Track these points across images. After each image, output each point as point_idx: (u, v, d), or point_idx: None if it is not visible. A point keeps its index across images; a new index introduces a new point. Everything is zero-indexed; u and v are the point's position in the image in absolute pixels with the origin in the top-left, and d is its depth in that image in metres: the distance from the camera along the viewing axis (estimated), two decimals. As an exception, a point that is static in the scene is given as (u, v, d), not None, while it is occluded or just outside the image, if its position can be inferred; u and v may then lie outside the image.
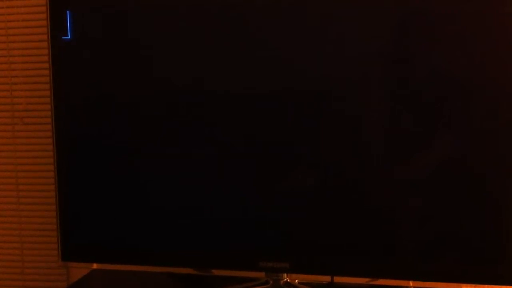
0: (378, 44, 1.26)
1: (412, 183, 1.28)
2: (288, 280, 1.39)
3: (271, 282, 1.40)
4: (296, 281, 1.41)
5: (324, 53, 1.27)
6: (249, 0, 1.30)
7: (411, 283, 1.39)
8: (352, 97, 1.28)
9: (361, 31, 1.26)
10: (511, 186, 1.23)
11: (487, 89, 1.23)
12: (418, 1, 1.24)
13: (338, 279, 1.37)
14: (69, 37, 1.36)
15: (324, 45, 1.27)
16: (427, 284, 1.36)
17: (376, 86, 1.27)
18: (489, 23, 1.21)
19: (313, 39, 1.27)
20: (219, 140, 1.35)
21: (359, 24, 1.26)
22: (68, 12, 1.36)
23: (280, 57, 1.29)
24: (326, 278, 1.37)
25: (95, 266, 1.62)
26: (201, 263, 1.42)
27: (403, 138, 1.27)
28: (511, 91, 1.21)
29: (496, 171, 1.24)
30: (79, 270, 1.64)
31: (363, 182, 1.30)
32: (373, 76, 1.27)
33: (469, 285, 1.29)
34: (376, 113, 1.28)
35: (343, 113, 1.29)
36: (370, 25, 1.25)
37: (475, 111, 1.24)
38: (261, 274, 1.40)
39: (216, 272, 1.48)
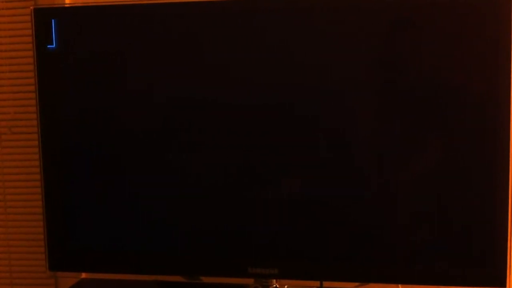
0: (365, 53, 1.27)
1: (399, 188, 1.29)
2: (277, 286, 1.39)
3: (260, 288, 1.40)
4: (286, 287, 1.41)
5: (313, 63, 1.28)
6: (240, 5, 1.31)
7: (400, 287, 1.39)
8: (336, 108, 1.29)
9: (347, 40, 1.27)
10: (497, 189, 1.23)
11: (472, 92, 1.24)
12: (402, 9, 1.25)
13: (327, 284, 1.37)
14: (54, 46, 1.36)
15: (313, 54, 1.28)
16: (416, 287, 1.36)
17: (361, 95, 1.28)
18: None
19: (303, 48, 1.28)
20: (207, 148, 1.34)
21: (344, 33, 1.27)
22: (53, 20, 1.35)
23: (268, 66, 1.30)
24: (315, 283, 1.37)
25: (83, 275, 1.61)
26: (191, 270, 1.42)
27: (389, 143, 1.28)
28: (496, 94, 1.22)
29: (483, 175, 1.24)
30: (67, 279, 1.63)
31: (351, 189, 1.30)
32: (358, 85, 1.28)
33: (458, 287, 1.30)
34: (360, 122, 1.29)
35: (328, 124, 1.29)
36: (356, 34, 1.26)
37: (463, 115, 1.24)
38: (250, 281, 1.40)
39: (205, 279, 1.48)
